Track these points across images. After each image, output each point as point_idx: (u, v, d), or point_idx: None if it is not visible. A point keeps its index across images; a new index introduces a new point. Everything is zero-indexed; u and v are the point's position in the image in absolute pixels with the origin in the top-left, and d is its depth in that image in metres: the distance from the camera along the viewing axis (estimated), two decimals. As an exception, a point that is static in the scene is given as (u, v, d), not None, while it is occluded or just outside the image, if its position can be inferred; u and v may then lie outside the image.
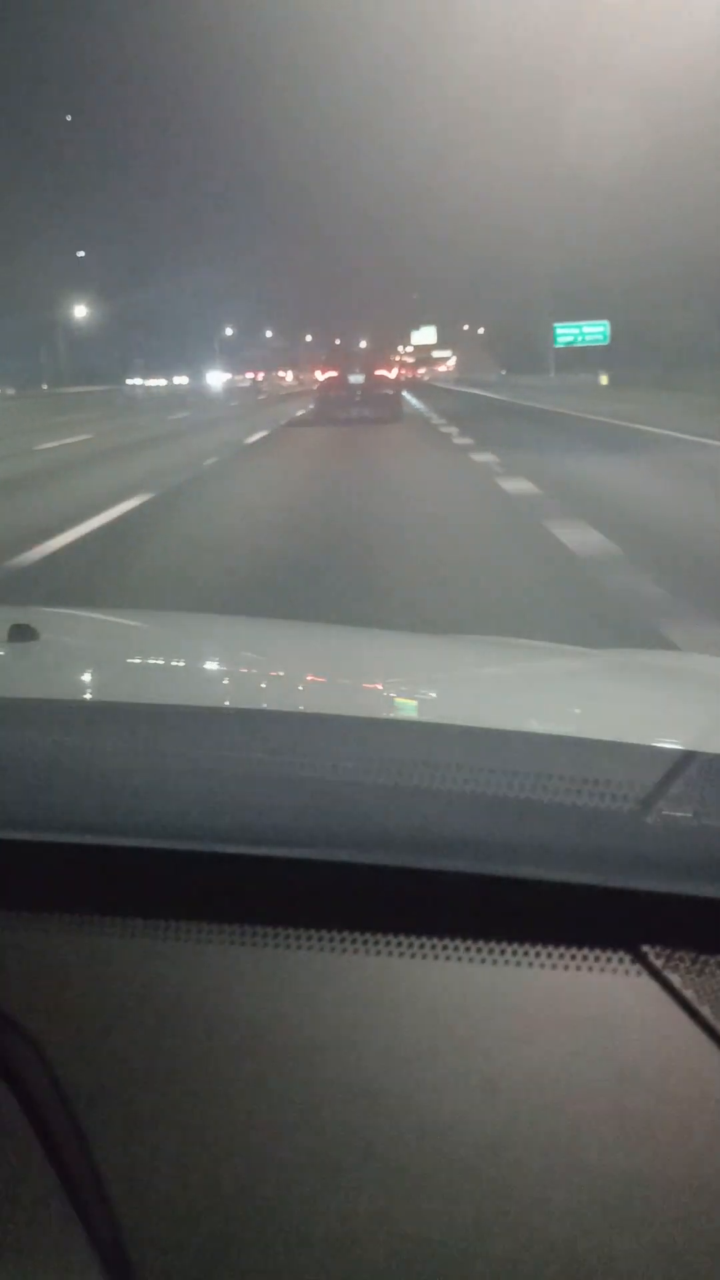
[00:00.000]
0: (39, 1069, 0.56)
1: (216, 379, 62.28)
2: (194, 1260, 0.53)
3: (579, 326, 37.80)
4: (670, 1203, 0.52)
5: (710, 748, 0.69)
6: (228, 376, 66.10)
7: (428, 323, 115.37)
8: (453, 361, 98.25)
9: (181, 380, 70.25)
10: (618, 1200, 0.52)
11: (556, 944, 0.58)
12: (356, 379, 17.52)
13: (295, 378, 75.70)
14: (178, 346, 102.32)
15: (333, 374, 17.99)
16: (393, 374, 18.59)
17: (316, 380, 19.35)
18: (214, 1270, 0.52)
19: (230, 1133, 0.55)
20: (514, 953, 0.58)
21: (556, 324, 38.86)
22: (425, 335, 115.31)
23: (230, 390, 51.59)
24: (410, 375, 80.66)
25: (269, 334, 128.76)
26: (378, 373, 17.67)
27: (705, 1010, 0.55)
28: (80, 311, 57.84)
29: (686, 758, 0.68)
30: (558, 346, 38.95)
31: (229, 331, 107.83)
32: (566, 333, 38.07)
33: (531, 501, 7.39)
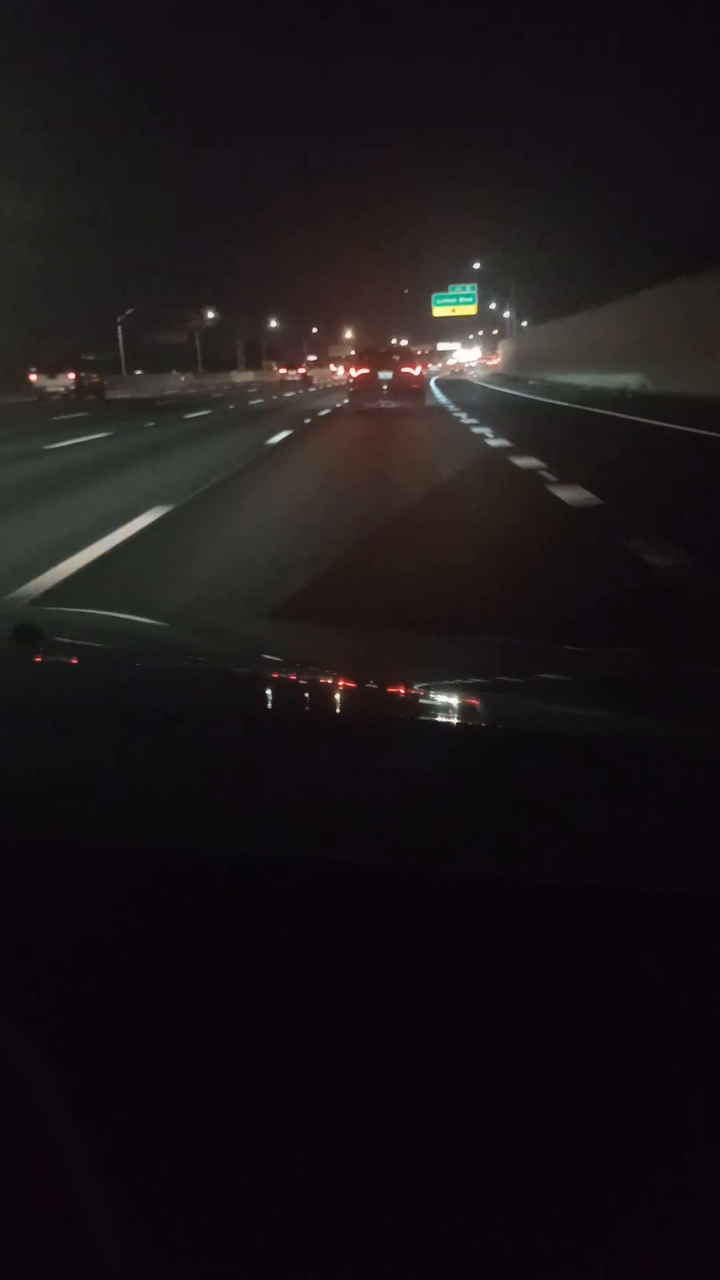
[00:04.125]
0: (33, 1058, 0.55)
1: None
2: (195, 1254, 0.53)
3: None
4: (668, 1200, 0.53)
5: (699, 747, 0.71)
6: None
7: (460, 284, 76.69)
8: (478, 353, 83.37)
9: None
10: (617, 1197, 0.53)
11: (557, 944, 0.59)
12: (385, 375, 20.46)
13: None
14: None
15: (365, 371, 20.92)
16: (417, 371, 21.38)
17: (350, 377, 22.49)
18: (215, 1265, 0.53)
19: (230, 1128, 0.55)
20: (514, 953, 0.59)
21: None
22: (455, 303, 75.01)
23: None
24: (458, 370, 70.50)
25: (210, 314, 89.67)
26: (404, 370, 20.78)
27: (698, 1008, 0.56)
28: None
29: (684, 756, 0.69)
30: None
31: (128, 312, 71.35)
32: None
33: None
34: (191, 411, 24.02)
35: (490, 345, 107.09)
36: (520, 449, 10.10)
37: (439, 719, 0.94)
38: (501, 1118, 0.54)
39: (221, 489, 8.00)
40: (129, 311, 69.41)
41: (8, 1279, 0.48)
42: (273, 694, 1.07)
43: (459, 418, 16.48)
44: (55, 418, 23.75)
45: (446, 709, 1.00)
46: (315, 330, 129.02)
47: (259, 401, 31.20)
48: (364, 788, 0.69)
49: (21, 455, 12.66)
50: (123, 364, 67.61)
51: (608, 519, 5.64)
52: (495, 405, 21.61)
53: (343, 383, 31.51)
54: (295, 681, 1.16)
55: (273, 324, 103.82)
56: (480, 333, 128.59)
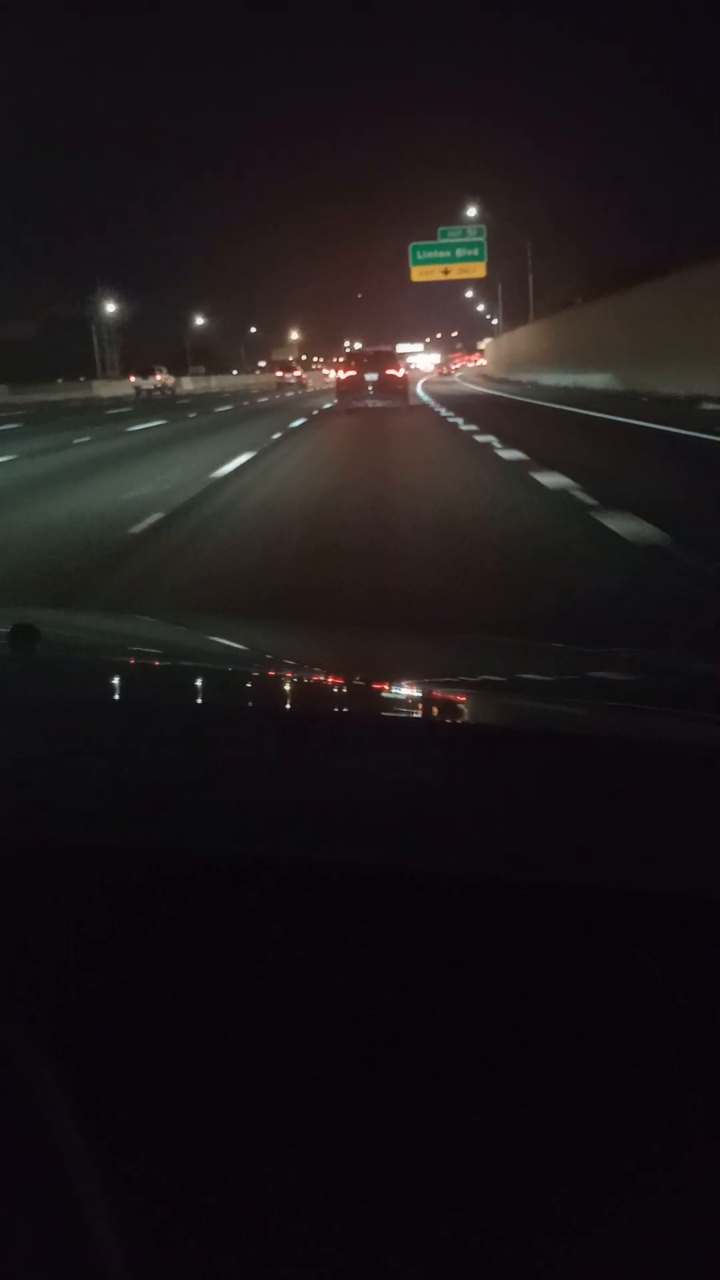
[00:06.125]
0: (35, 1057, 0.56)
1: None
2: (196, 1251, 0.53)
3: None
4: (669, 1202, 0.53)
5: (700, 743, 0.74)
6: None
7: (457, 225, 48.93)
8: (437, 359, 73.50)
9: None
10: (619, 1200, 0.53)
11: (557, 944, 0.58)
12: (371, 376, 22.55)
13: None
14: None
15: (352, 374, 23.11)
16: (400, 372, 23.08)
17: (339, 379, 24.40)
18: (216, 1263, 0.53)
19: (229, 1130, 0.56)
20: (513, 953, 0.58)
21: None
22: (450, 258, 47.28)
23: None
24: (445, 374, 60.46)
25: (110, 306, 73.54)
26: (388, 372, 22.72)
27: (698, 1009, 0.56)
28: None
29: (684, 756, 0.71)
30: None
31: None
32: None
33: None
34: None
35: (448, 349, 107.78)
36: None
37: (438, 718, 0.95)
38: (501, 1117, 0.54)
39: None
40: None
41: (8, 1279, 0.48)
42: (271, 694, 1.09)
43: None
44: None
45: (445, 708, 1.01)
46: (254, 330, 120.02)
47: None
48: (362, 787, 0.69)
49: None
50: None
51: None
52: None
53: (332, 386, 29.94)
54: (294, 681, 1.17)
55: (199, 321, 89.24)
56: (439, 335, 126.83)
